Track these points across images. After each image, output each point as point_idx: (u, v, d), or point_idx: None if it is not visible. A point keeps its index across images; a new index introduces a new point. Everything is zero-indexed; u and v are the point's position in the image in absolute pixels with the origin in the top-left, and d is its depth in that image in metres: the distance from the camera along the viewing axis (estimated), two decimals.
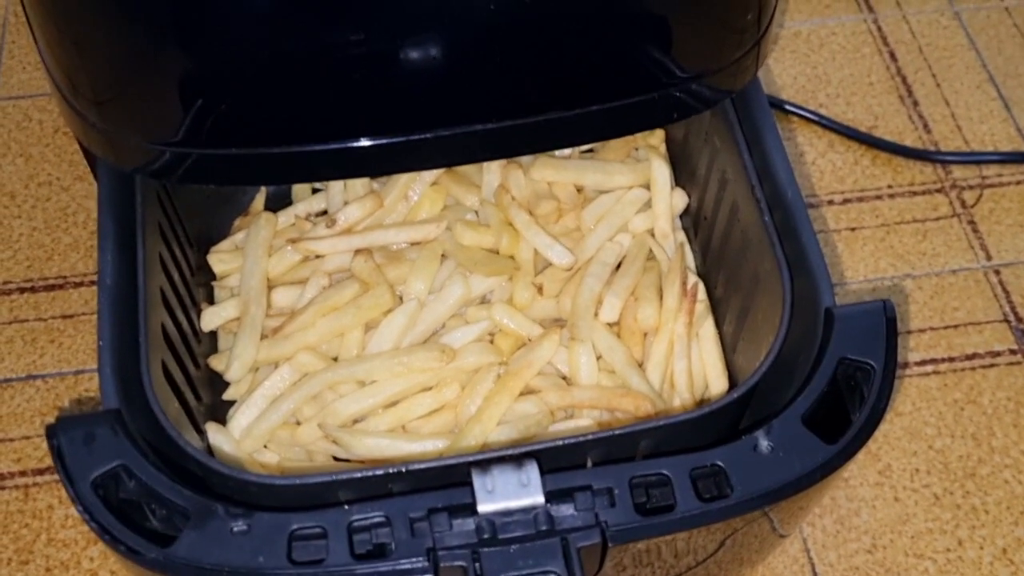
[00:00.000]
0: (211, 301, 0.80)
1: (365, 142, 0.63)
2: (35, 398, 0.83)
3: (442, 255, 0.78)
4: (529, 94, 0.63)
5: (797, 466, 0.56)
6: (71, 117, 0.65)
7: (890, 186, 0.96)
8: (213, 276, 0.80)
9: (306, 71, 0.60)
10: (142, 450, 0.55)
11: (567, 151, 0.84)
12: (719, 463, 0.56)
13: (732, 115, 0.70)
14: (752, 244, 0.69)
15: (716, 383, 0.75)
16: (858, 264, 0.92)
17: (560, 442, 0.58)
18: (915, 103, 1.03)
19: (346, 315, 0.75)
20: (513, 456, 0.57)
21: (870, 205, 0.95)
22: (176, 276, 0.72)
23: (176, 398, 0.66)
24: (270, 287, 0.78)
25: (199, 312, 0.77)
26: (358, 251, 0.77)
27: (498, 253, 0.78)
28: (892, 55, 1.07)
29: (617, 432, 0.59)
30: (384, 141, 0.63)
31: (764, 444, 0.57)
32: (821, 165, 0.97)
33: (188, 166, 0.62)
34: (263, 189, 0.86)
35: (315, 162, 0.63)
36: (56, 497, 0.80)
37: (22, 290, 0.87)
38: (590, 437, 0.59)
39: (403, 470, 0.57)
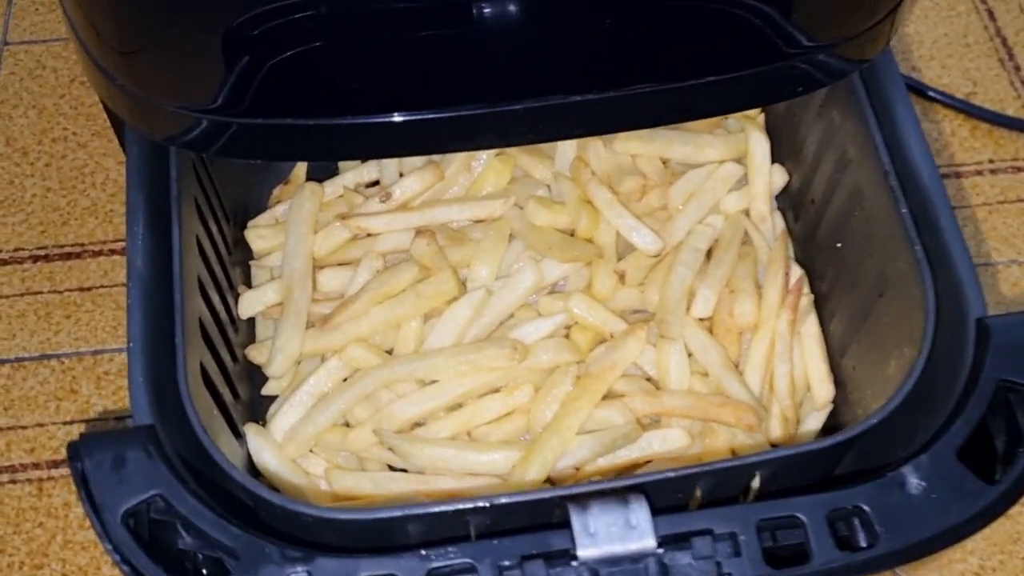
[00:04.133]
0: (248, 282, 0.72)
1: (433, 114, 0.54)
2: (50, 380, 0.75)
3: (510, 235, 0.70)
4: (634, 62, 0.54)
5: (955, 510, 0.48)
6: (93, 73, 0.56)
7: (991, 160, 0.87)
8: (250, 253, 0.71)
9: (370, 29, 0.51)
10: (180, 476, 0.47)
11: None
12: (862, 505, 0.48)
13: (859, 87, 0.61)
14: (879, 238, 0.60)
15: (820, 389, 0.67)
16: None
17: (669, 474, 0.50)
18: (1016, 67, 0.94)
19: (403, 303, 0.66)
20: (617, 490, 0.49)
21: (969, 181, 0.87)
22: (213, 258, 0.63)
23: (214, 402, 0.58)
24: (316, 268, 0.70)
25: (236, 296, 0.68)
26: (419, 231, 0.68)
27: (574, 235, 0.69)
28: (990, 13, 0.97)
29: (734, 464, 0.50)
30: (461, 112, 0.54)
31: (914, 483, 0.49)
32: None
33: (230, 137, 0.53)
34: None
35: (377, 136, 0.54)
36: (74, 493, 0.72)
37: (35, 258, 0.80)
38: (704, 469, 0.50)
39: (486, 505, 0.49)
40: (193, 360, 0.54)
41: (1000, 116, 0.89)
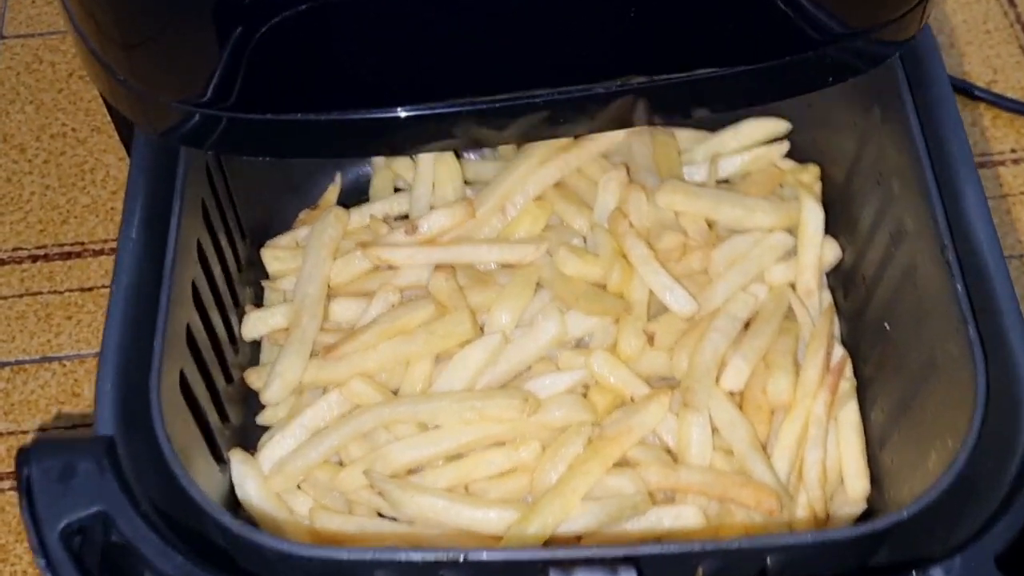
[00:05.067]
0: (259, 303, 0.68)
1: (443, 108, 0.51)
2: (51, 383, 0.73)
3: (537, 283, 0.65)
4: (661, 51, 0.52)
5: None
6: (93, 67, 0.53)
7: (1013, 150, 0.84)
8: (265, 274, 0.68)
9: (375, 20, 0.48)
10: (132, 495, 0.43)
11: (699, 175, 0.70)
12: None
13: (923, 155, 0.56)
14: (931, 317, 0.55)
15: (854, 483, 0.61)
16: None
17: (668, 548, 0.45)
18: None
19: (415, 341, 0.62)
20: (607, 559, 0.44)
21: (991, 172, 0.83)
22: (217, 269, 0.60)
23: (195, 418, 0.54)
24: (330, 296, 0.66)
25: (242, 315, 0.65)
26: (438, 266, 0.64)
27: (605, 289, 0.65)
28: (1011, 0, 0.94)
29: (743, 545, 0.45)
30: (475, 105, 0.51)
31: None
32: None
33: (227, 132, 0.51)
34: (337, 180, 0.73)
35: (385, 130, 0.52)
36: None
37: (35, 258, 0.78)
38: (707, 547, 0.45)
39: (459, 559, 0.44)
40: (171, 370, 0.50)
41: (1022, 104, 0.85)
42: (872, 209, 0.63)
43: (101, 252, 0.78)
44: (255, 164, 0.68)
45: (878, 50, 0.56)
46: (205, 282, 0.57)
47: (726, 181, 0.72)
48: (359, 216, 0.69)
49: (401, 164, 0.73)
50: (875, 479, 0.61)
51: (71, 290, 0.76)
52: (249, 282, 0.68)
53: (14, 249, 0.79)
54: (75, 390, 0.73)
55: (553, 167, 0.69)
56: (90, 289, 0.76)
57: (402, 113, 0.49)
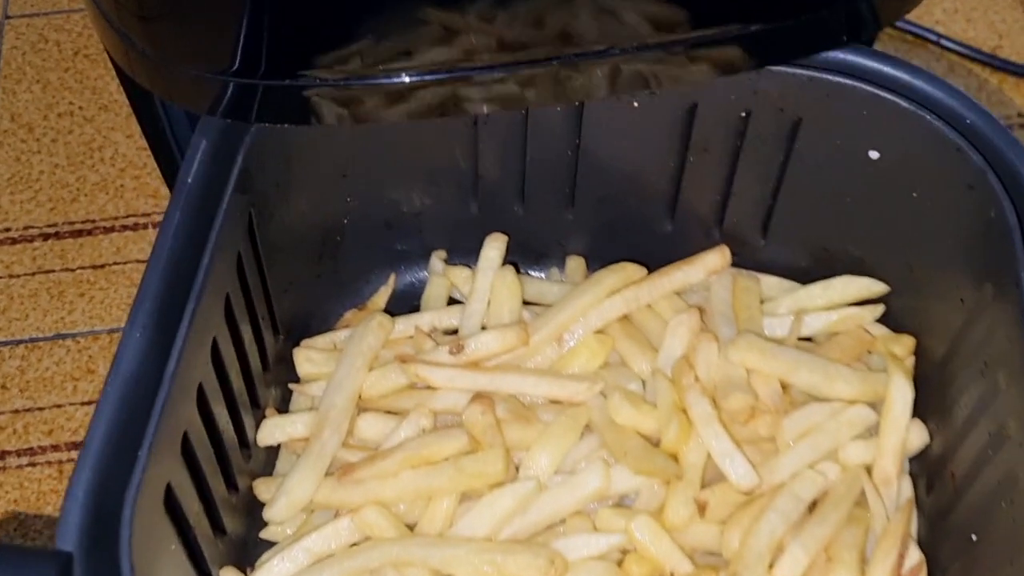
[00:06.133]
0: (285, 407, 0.63)
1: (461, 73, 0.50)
2: (65, 360, 0.73)
3: (587, 426, 0.59)
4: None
5: None
6: (111, 38, 0.52)
7: (1020, 115, 0.84)
8: (295, 375, 0.63)
9: None
10: None
11: (780, 330, 0.64)
12: None
13: None
14: None
15: None
16: None
17: None
18: None
19: (440, 474, 0.57)
20: None
21: None
22: (235, 369, 0.55)
23: (180, 535, 0.48)
24: (360, 409, 0.61)
25: (261, 418, 0.60)
26: (477, 395, 0.58)
27: (658, 445, 0.58)
28: None
29: None
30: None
31: None
32: None
33: (248, 99, 0.50)
34: (391, 282, 0.69)
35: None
36: None
37: (46, 236, 0.78)
38: None
39: None
40: (154, 483, 0.45)
41: None
42: (971, 399, 0.56)
43: (112, 229, 0.78)
44: (301, 253, 0.64)
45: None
46: (216, 383, 0.52)
47: (810, 339, 0.65)
48: (405, 325, 0.64)
49: (459, 275, 0.67)
50: None
51: (83, 267, 0.77)
52: (279, 381, 0.63)
53: (25, 228, 0.79)
54: (90, 367, 0.73)
55: (620, 300, 0.63)
56: (102, 266, 0.77)
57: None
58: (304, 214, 0.61)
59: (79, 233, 0.78)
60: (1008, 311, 0.53)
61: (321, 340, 0.65)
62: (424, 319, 0.65)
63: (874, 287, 0.64)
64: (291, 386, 0.63)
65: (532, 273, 0.70)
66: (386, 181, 0.64)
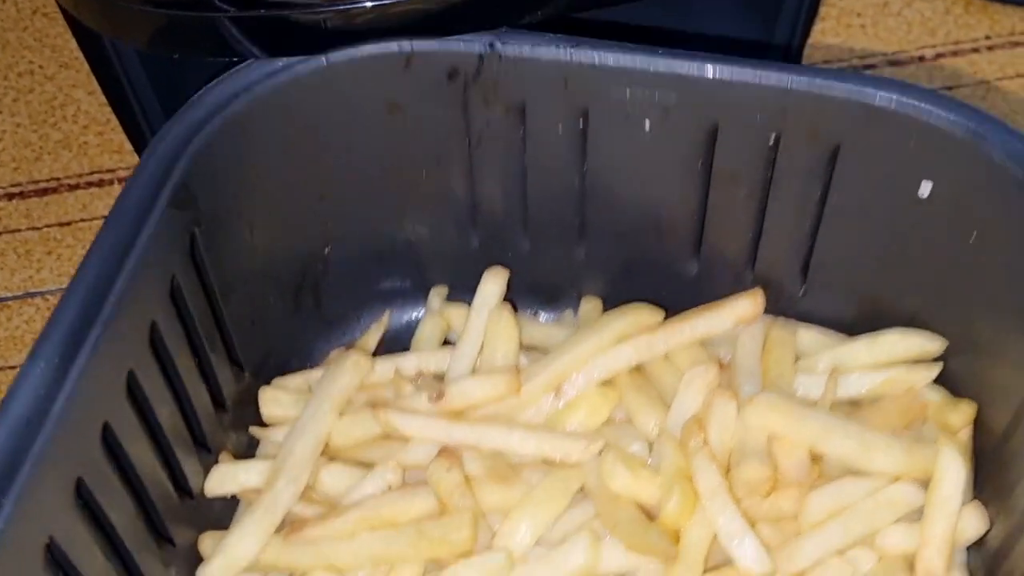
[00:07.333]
0: (252, 453, 0.57)
1: None
2: (35, 318, 0.72)
3: (580, 492, 0.52)
4: None
5: None
6: None
7: (988, 36, 0.83)
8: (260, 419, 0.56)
9: None
10: None
11: (815, 390, 0.55)
12: None
13: None
14: None
15: None
16: None
17: None
18: None
19: (401, 539, 0.50)
20: None
21: (967, 60, 0.82)
22: (170, 405, 0.49)
23: None
24: (327, 459, 0.54)
25: (213, 463, 0.53)
26: (443, 450, 0.51)
27: (656, 520, 0.50)
28: None
29: None
30: None
31: None
32: (908, 16, 0.85)
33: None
34: (384, 319, 0.62)
35: None
36: None
37: (10, 196, 0.78)
38: None
39: None
40: (27, 538, 0.39)
41: None
42: None
43: (77, 187, 0.78)
44: (271, 283, 0.58)
45: None
46: (135, 421, 0.46)
47: (852, 403, 0.56)
48: (385, 367, 0.57)
49: (455, 313, 0.60)
50: None
51: (49, 225, 0.76)
52: (245, 425, 0.57)
53: None
54: None
55: (631, 347, 0.56)
56: (68, 224, 0.76)
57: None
58: (273, 239, 0.55)
59: (44, 191, 0.78)
60: None
61: (294, 380, 0.58)
62: (408, 361, 0.58)
63: (928, 344, 0.55)
64: (252, 430, 0.56)
65: (543, 316, 0.63)
66: (371, 206, 0.57)
